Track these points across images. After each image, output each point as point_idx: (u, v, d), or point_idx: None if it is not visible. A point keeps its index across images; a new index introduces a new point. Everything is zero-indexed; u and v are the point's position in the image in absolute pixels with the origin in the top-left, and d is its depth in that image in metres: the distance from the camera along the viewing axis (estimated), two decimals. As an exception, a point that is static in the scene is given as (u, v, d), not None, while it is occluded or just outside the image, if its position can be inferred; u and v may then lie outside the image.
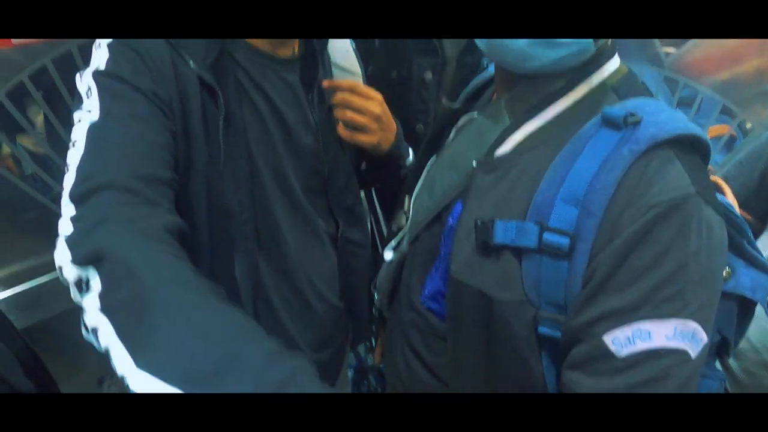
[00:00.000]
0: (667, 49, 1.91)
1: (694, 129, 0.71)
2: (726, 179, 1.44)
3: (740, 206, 1.26)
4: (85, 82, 0.82)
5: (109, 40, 0.84)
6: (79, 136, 0.78)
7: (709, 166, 1.86)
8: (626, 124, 0.70)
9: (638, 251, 0.66)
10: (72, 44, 1.49)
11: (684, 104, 1.89)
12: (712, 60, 1.83)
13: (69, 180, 0.74)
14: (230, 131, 0.92)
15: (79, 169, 0.74)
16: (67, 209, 0.71)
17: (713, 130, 1.87)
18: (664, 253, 0.66)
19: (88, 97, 0.80)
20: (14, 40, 1.43)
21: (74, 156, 0.76)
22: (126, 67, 0.82)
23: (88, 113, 0.79)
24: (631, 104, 0.73)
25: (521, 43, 0.72)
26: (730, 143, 1.85)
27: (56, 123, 1.52)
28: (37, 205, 1.52)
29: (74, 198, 0.72)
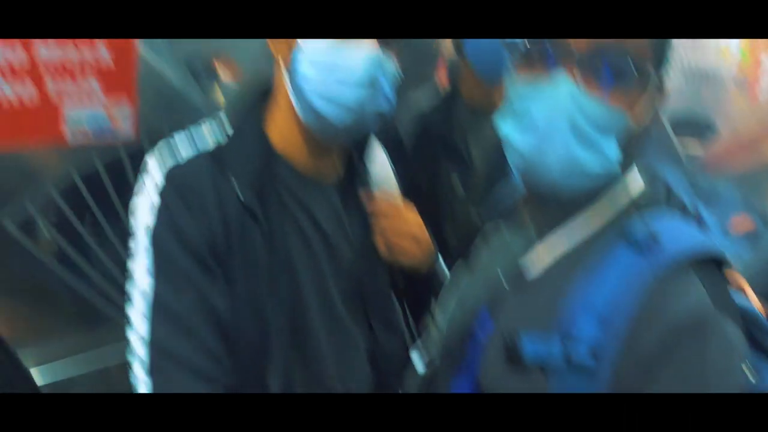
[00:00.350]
0: (691, 150, 1.97)
1: (712, 244, 0.75)
2: (750, 275, 1.45)
3: (765, 300, 1.27)
4: (139, 225, 0.95)
5: (160, 181, 0.95)
6: (141, 300, 0.93)
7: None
8: (647, 242, 0.73)
9: (661, 367, 0.68)
10: (121, 149, 1.59)
11: (705, 199, 1.92)
12: (732, 153, 1.87)
13: (141, 350, 0.91)
14: (271, 249, 0.98)
15: (151, 344, 0.91)
16: (143, 380, 0.90)
17: (737, 222, 1.90)
18: (686, 368, 0.68)
19: (140, 245, 0.94)
20: (70, 139, 1.52)
21: (140, 322, 0.92)
22: (174, 220, 0.93)
23: (146, 274, 0.93)
24: (651, 220, 0.77)
25: (554, 174, 0.76)
26: (755, 238, 1.87)
27: (104, 222, 1.61)
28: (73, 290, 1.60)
29: (150, 372, 0.90)
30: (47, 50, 1.42)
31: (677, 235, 0.75)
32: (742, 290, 1.16)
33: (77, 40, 1.45)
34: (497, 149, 1.60)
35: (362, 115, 0.97)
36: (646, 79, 0.79)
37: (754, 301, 1.04)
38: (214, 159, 0.98)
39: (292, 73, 0.98)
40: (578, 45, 0.76)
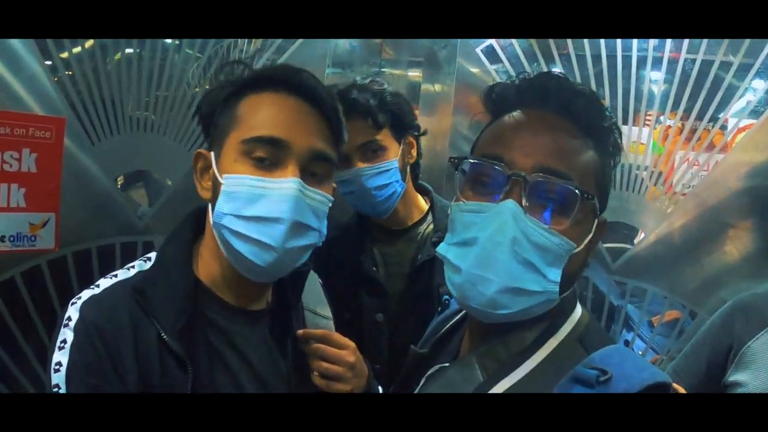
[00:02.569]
0: (612, 245, 2.06)
1: (659, 376, 0.75)
2: (676, 372, 1.51)
3: (692, 394, 1.32)
4: (54, 361, 0.88)
5: (74, 314, 0.90)
6: None
7: (657, 356, 1.91)
8: (598, 382, 0.73)
9: None
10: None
11: (635, 297, 2.01)
12: (658, 259, 1.96)
13: None
14: (198, 392, 0.93)
15: None
16: None
17: (669, 315, 1.99)
18: None
19: (54, 382, 0.88)
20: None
21: None
22: (83, 360, 0.88)
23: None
24: (599, 358, 0.77)
25: (491, 291, 0.78)
26: (682, 328, 1.95)
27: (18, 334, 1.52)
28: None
29: None
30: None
31: (625, 367, 0.75)
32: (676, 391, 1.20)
33: (1, 143, 1.38)
34: (418, 275, 1.62)
35: (284, 252, 0.94)
36: (589, 207, 0.82)
37: None
38: (137, 291, 0.94)
39: (213, 211, 0.95)
40: (525, 170, 0.78)
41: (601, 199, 0.85)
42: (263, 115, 0.94)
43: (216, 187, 0.95)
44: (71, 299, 0.93)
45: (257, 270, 0.95)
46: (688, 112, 1.99)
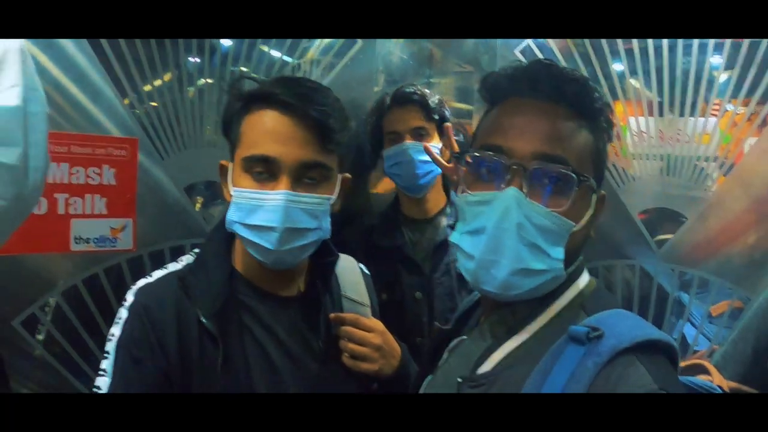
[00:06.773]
0: (662, 236, 2.03)
1: (655, 334, 0.81)
2: (724, 359, 1.48)
3: (742, 382, 1.28)
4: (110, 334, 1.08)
5: (130, 298, 1.09)
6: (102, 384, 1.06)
7: (703, 350, 1.85)
8: (589, 339, 0.79)
9: None
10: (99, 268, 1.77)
11: (686, 287, 1.97)
12: (703, 245, 1.92)
13: None
14: (230, 369, 1.07)
15: None
16: None
17: (715, 309, 1.93)
18: None
19: (108, 349, 1.06)
20: (74, 247, 1.67)
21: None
22: (132, 333, 1.05)
23: (106, 374, 1.05)
24: (595, 319, 0.83)
25: (503, 274, 0.85)
26: (735, 317, 1.90)
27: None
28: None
29: None
30: (59, 170, 1.63)
31: (619, 326, 0.81)
32: (707, 369, 1.19)
33: (84, 161, 1.64)
34: (437, 254, 1.75)
35: (283, 252, 1.07)
36: (586, 186, 0.88)
37: (718, 380, 1.08)
38: (181, 280, 1.11)
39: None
40: (524, 158, 0.86)
41: (597, 176, 0.91)
42: (258, 134, 1.07)
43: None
44: None
45: (264, 264, 1.10)
46: (750, 96, 1.96)
